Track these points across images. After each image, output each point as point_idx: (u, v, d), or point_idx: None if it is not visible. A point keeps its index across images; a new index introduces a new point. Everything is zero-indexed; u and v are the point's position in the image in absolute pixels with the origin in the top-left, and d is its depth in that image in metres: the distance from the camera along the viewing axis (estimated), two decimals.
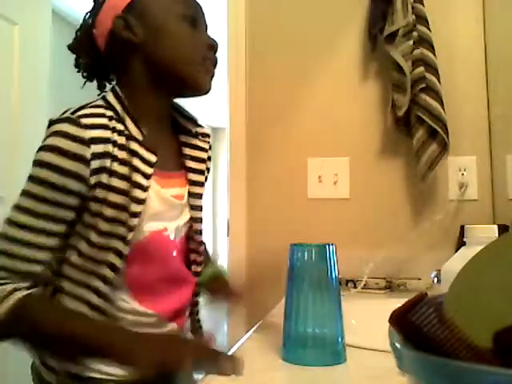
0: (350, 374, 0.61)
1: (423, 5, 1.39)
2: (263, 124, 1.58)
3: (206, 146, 0.92)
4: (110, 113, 0.75)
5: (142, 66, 0.80)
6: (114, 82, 0.86)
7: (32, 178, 0.70)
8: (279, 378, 0.61)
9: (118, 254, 0.75)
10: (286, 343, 0.65)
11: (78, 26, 0.85)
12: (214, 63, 0.84)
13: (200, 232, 0.89)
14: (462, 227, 1.29)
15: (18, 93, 1.97)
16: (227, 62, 1.63)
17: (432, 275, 1.17)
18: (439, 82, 1.36)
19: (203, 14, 0.85)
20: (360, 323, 0.82)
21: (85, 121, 0.71)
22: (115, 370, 0.76)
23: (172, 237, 0.83)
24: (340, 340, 0.64)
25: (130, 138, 0.75)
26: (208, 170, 0.95)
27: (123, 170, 0.74)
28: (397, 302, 0.35)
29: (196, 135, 0.90)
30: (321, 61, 1.55)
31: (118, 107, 0.77)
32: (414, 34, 1.36)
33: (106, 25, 0.80)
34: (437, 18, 1.43)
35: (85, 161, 0.70)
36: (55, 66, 2.32)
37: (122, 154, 0.74)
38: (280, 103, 1.57)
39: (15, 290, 0.67)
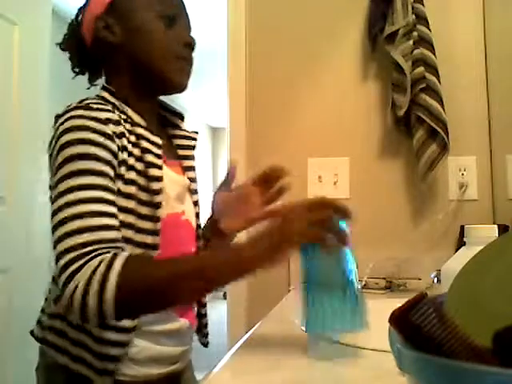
0: (351, 374, 0.61)
1: (423, 5, 1.39)
2: (263, 124, 1.58)
3: (194, 136, 0.94)
4: (109, 106, 0.77)
5: (124, 64, 0.83)
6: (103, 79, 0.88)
7: (69, 159, 0.68)
8: (279, 378, 0.61)
9: (150, 233, 0.76)
10: (309, 317, 0.65)
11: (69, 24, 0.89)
12: (190, 61, 0.86)
13: (197, 215, 0.91)
14: (462, 227, 1.29)
15: (18, 93, 1.97)
16: (227, 62, 1.63)
17: (432, 275, 1.17)
18: (439, 82, 1.36)
19: (184, 11, 0.87)
20: None
21: (94, 106, 0.73)
22: (137, 372, 0.77)
23: (190, 220, 0.86)
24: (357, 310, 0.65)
25: (134, 124, 0.79)
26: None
27: (136, 151, 0.76)
28: (397, 302, 0.35)
29: (181, 128, 0.94)
30: (321, 61, 1.55)
31: (115, 101, 0.80)
32: (414, 33, 1.37)
33: (90, 24, 0.83)
34: (437, 18, 1.43)
35: (109, 137, 0.71)
36: (55, 66, 2.32)
37: (131, 138, 0.77)
38: (280, 103, 1.57)
39: (115, 255, 0.64)
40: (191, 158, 0.92)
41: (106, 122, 0.72)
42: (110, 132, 0.71)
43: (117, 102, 0.79)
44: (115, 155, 0.72)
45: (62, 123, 0.71)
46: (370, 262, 1.32)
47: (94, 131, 0.70)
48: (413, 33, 1.36)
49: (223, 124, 6.45)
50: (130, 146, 0.75)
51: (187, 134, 0.93)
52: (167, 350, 0.82)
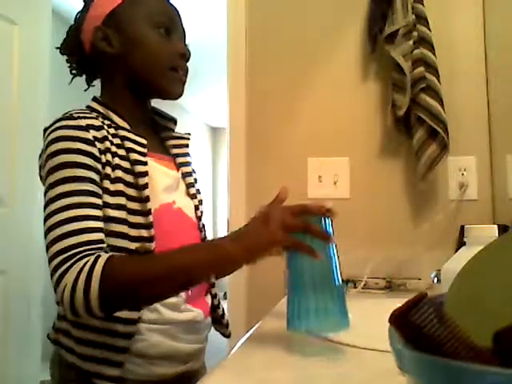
0: (350, 374, 0.61)
1: (423, 5, 1.39)
2: (263, 124, 1.58)
3: (187, 136, 1.00)
4: (95, 114, 0.82)
5: (119, 73, 0.87)
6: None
7: (55, 168, 0.74)
8: (278, 378, 0.61)
9: (144, 226, 0.78)
10: (290, 315, 0.67)
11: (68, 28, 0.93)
12: (185, 71, 0.91)
13: (197, 207, 0.94)
14: (462, 227, 1.29)
15: (18, 93, 1.97)
16: (227, 62, 1.63)
17: (432, 275, 1.17)
18: (439, 81, 1.36)
19: (179, 21, 0.91)
20: (360, 323, 0.82)
21: (76, 115, 0.78)
22: (148, 370, 0.78)
23: (184, 210, 0.88)
24: (340, 309, 0.66)
25: (118, 127, 0.83)
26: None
27: (121, 151, 0.80)
28: (397, 302, 0.35)
29: (174, 131, 0.99)
30: (321, 61, 1.55)
31: (101, 109, 0.84)
32: (414, 33, 1.36)
33: (89, 34, 0.87)
34: (437, 18, 1.43)
35: (90, 142, 0.76)
36: (55, 66, 2.32)
37: (115, 140, 0.81)
38: (280, 103, 1.57)
39: (99, 256, 0.69)
40: (185, 155, 0.96)
41: (87, 128, 0.77)
42: (90, 137, 0.76)
43: (102, 110, 0.84)
44: (97, 159, 0.76)
45: (49, 134, 0.76)
46: (369, 262, 1.32)
47: (76, 139, 0.75)
48: (413, 33, 1.36)
49: (223, 124, 6.46)
50: (113, 148, 0.79)
51: (179, 135, 0.98)
52: (180, 346, 0.83)
